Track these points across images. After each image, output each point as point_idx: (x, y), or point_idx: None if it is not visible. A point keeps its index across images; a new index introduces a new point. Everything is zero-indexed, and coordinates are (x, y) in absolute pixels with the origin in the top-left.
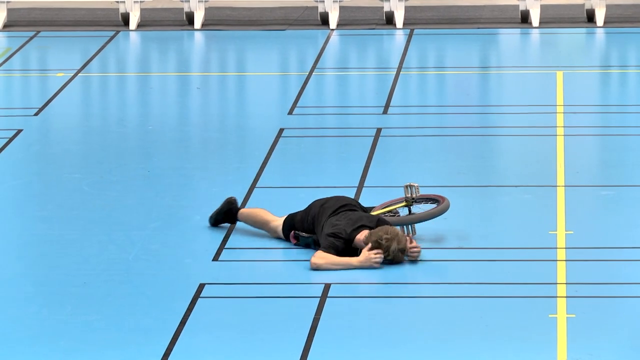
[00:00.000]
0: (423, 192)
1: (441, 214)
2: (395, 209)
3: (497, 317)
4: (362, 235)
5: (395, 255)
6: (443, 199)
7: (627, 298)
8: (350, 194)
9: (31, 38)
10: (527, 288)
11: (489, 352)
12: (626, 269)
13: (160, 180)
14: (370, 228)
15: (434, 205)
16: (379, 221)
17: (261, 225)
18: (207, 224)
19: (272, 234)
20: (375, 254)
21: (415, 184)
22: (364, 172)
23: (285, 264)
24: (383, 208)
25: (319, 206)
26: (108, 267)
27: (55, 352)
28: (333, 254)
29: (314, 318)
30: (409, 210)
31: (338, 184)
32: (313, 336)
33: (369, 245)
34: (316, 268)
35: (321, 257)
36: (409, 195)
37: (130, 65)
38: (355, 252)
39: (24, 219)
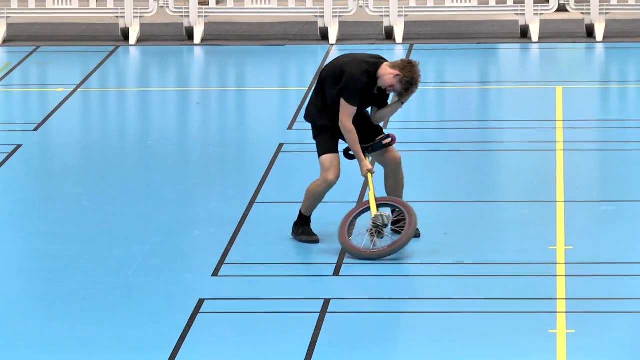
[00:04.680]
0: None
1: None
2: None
3: (497, 332)
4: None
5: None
6: (409, 212)
7: (627, 313)
8: (350, 207)
9: (31, 53)
10: (527, 304)
11: None
12: (626, 284)
13: (160, 195)
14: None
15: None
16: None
17: (321, 194)
18: (207, 238)
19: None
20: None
21: (386, 214)
22: (363, 186)
23: (285, 279)
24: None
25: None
26: (108, 281)
27: None
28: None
29: (314, 333)
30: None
31: (338, 198)
32: (312, 352)
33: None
34: (342, 127)
35: (349, 125)
36: (380, 222)
37: (130, 80)
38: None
39: (24, 233)
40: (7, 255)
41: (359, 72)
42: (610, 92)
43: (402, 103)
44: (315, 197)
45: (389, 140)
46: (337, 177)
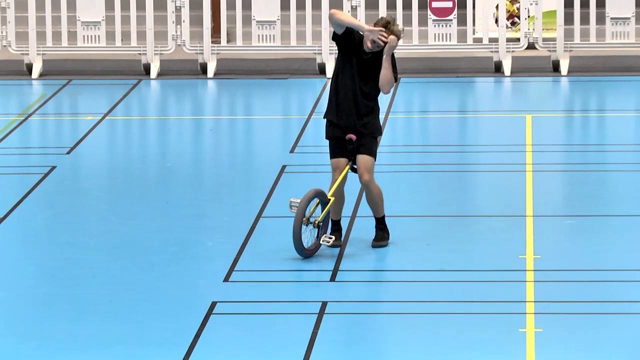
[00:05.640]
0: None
1: None
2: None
3: (474, 331)
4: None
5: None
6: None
7: (589, 314)
8: (344, 223)
9: (64, 85)
10: (500, 306)
11: None
12: (589, 288)
13: (177, 211)
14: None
15: None
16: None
17: (340, 193)
18: (219, 248)
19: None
20: (380, 31)
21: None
22: (356, 204)
23: (287, 284)
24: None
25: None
26: (131, 287)
27: None
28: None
29: (313, 332)
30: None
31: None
32: (312, 348)
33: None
34: (331, 14)
35: (335, 10)
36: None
37: (151, 109)
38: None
39: (57, 245)
40: (42, 263)
41: None
42: (574, 120)
43: (387, 55)
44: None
45: (352, 165)
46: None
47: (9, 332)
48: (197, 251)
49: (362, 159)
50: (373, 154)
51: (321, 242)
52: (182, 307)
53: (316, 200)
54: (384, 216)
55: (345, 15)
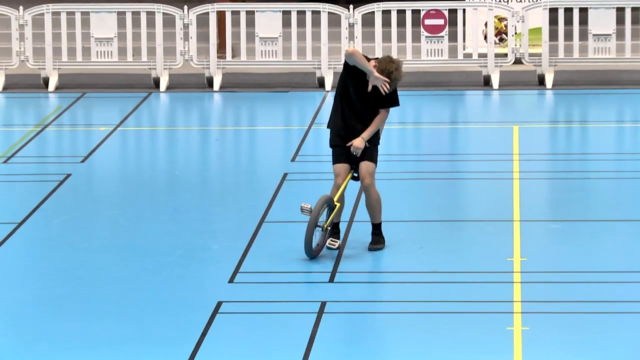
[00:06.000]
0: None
1: None
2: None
3: (464, 329)
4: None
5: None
6: None
7: (573, 313)
8: (342, 228)
9: (78, 98)
10: (489, 305)
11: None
12: (572, 289)
13: (185, 216)
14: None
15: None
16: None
17: (341, 195)
18: (224, 251)
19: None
20: (384, 80)
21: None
22: (354, 209)
23: (289, 285)
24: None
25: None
26: (140, 288)
27: (97, 358)
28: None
29: (312, 330)
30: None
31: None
32: (312, 345)
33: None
34: (350, 54)
35: (354, 50)
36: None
37: (160, 120)
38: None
39: (72, 248)
40: (57, 265)
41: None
42: (558, 131)
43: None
44: (359, 55)
45: (353, 173)
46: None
47: (25, 330)
48: (204, 254)
49: (365, 164)
50: (374, 161)
51: (327, 245)
52: (189, 307)
53: (325, 206)
54: (380, 223)
55: (360, 58)
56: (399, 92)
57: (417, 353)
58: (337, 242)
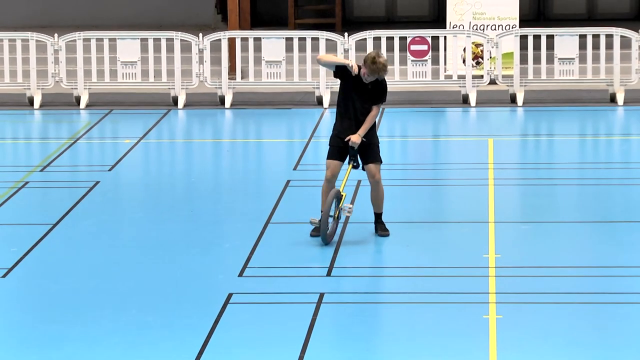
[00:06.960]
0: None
1: None
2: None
3: (445, 317)
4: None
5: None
6: None
7: (543, 304)
8: (341, 228)
9: (106, 114)
10: (467, 296)
11: (442, 344)
12: (541, 281)
13: (200, 218)
14: None
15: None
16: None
17: (331, 192)
18: (234, 249)
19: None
20: (356, 65)
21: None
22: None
23: (291, 278)
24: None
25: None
26: (160, 281)
27: (125, 344)
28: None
29: (312, 319)
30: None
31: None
32: (311, 333)
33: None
34: (318, 60)
35: (320, 55)
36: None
37: (178, 134)
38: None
39: (100, 247)
40: (87, 262)
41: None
42: (528, 143)
43: (368, 83)
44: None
45: (353, 164)
46: (333, 174)
47: (62, 318)
48: (216, 251)
49: (373, 165)
50: (379, 160)
51: (346, 213)
52: (204, 297)
53: (334, 200)
54: (381, 213)
55: (328, 57)
56: (386, 109)
57: (405, 338)
58: (351, 207)
